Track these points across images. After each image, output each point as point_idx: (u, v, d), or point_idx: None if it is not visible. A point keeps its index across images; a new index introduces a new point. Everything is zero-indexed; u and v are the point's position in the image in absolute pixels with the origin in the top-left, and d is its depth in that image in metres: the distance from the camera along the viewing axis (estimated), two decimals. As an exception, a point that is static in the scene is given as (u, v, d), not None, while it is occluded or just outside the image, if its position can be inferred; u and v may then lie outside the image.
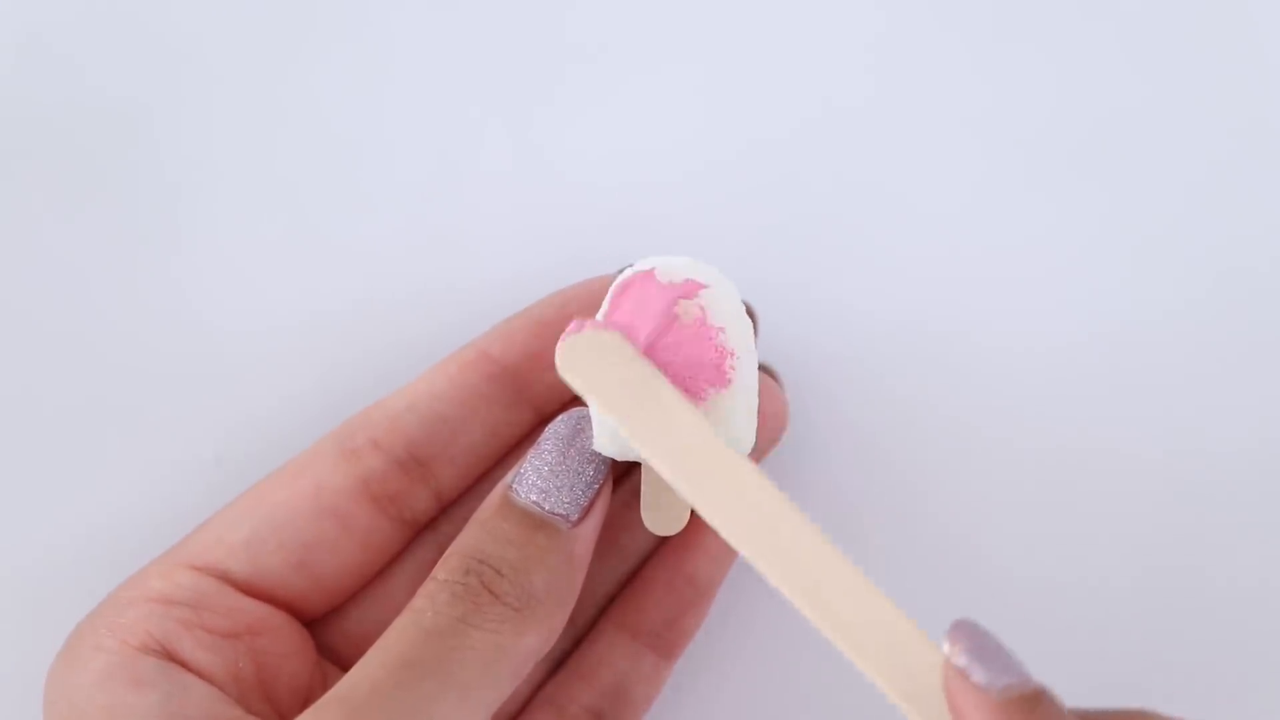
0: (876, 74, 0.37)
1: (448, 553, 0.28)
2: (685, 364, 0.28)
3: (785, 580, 0.26)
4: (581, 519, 0.28)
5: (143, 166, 0.36)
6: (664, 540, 0.33)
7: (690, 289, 0.28)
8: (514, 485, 0.28)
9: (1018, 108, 0.37)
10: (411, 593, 0.28)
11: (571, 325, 0.27)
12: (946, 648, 0.25)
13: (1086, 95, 0.37)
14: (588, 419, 0.29)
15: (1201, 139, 0.37)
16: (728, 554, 0.33)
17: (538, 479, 0.28)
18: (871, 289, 0.36)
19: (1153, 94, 0.37)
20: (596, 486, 0.29)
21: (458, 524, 0.30)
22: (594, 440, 0.28)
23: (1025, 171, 0.37)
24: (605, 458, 0.29)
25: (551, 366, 0.31)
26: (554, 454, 0.28)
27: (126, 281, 0.35)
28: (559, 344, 0.27)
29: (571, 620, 0.32)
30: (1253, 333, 0.36)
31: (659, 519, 0.29)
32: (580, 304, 0.31)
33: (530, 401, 0.32)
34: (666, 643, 0.33)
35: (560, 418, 0.29)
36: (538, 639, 0.28)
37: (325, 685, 0.30)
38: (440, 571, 0.28)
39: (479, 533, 0.28)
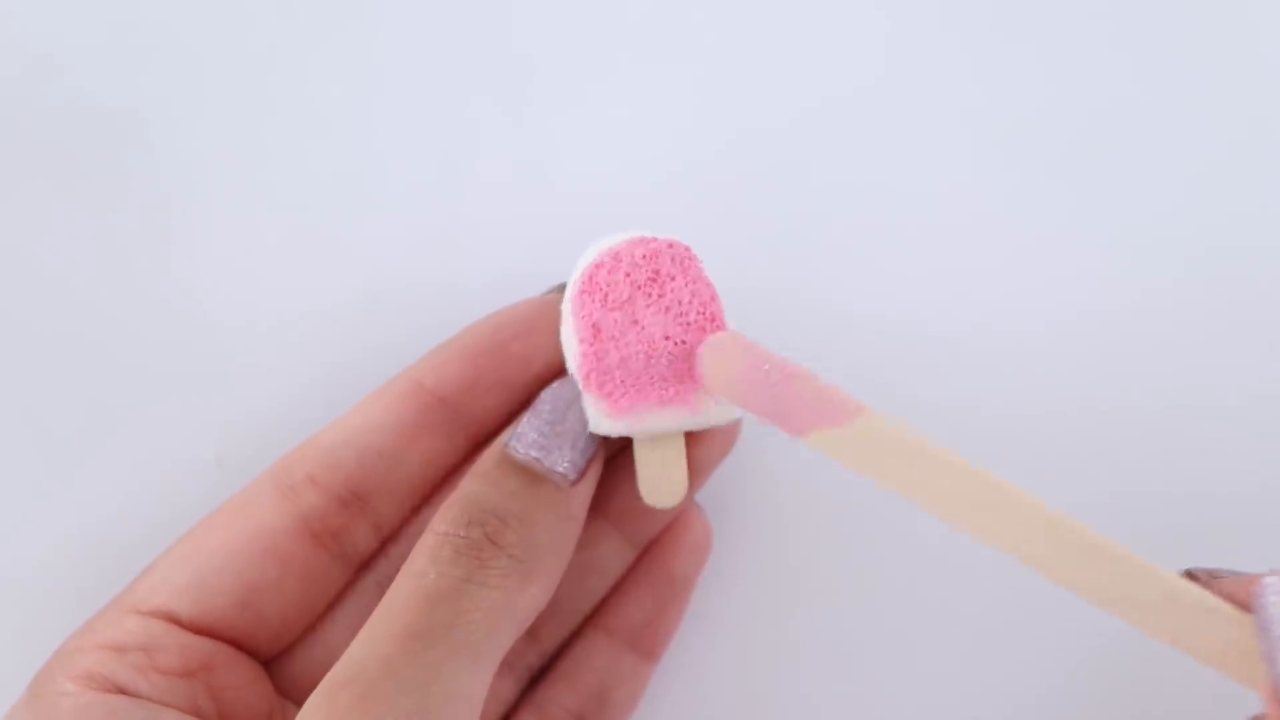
0: (875, 73, 0.37)
1: (447, 503, 0.28)
2: (675, 322, 0.28)
3: (1046, 565, 0.26)
4: (578, 480, 0.28)
5: (142, 166, 0.36)
6: (642, 552, 0.33)
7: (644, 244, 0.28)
8: (511, 443, 0.28)
9: (1014, 105, 0.37)
10: (357, 630, 0.27)
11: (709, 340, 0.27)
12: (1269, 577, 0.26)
13: (1083, 93, 0.37)
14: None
15: (1201, 137, 0.37)
16: (702, 549, 0.33)
17: (537, 436, 0.28)
18: (873, 288, 0.36)
19: (1149, 92, 0.37)
20: (592, 451, 0.29)
21: (397, 562, 0.29)
22: (590, 422, 0.28)
23: (1023, 170, 0.37)
24: None
25: (486, 393, 0.31)
26: (552, 414, 0.28)
27: (126, 282, 0.35)
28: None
29: (554, 633, 0.32)
30: (1249, 327, 0.36)
31: (657, 492, 0.29)
32: (512, 327, 0.31)
33: (465, 430, 0.31)
34: (646, 641, 0.33)
35: (558, 382, 0.29)
36: (541, 591, 0.27)
37: (285, 717, 0.30)
38: (440, 523, 0.27)
39: (480, 484, 0.28)
